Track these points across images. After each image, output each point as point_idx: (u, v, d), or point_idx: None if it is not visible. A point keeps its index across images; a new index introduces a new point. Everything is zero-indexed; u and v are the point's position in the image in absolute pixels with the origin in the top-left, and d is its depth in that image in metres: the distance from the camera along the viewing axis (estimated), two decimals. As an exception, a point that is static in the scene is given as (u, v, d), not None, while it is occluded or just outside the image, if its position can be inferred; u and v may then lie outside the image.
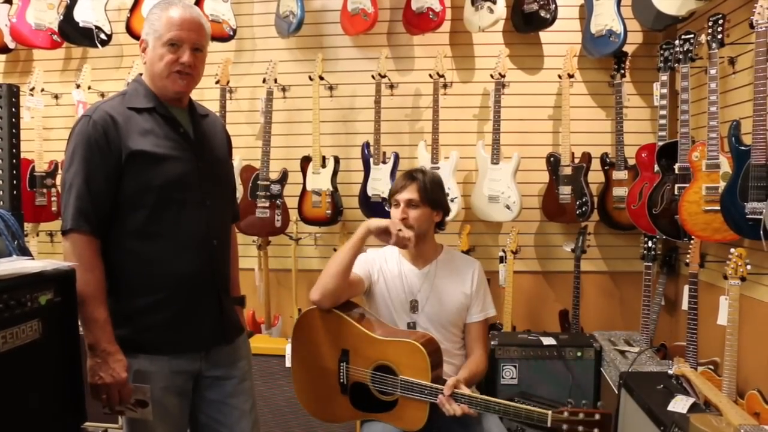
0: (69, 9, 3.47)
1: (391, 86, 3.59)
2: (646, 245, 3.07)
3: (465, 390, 2.00)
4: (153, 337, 1.74)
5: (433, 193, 2.24)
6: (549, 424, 1.85)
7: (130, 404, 1.69)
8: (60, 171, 3.61)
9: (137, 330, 1.73)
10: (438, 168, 3.32)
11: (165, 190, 1.73)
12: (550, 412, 1.86)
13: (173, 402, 1.78)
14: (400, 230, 2.13)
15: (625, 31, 3.11)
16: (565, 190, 3.28)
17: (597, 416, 1.84)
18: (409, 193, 2.21)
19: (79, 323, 1.63)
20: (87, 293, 1.63)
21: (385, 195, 3.28)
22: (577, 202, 3.26)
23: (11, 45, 3.61)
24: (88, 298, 1.63)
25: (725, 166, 2.50)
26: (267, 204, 3.44)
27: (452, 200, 3.29)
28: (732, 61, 2.68)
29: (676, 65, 2.89)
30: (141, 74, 1.86)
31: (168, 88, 1.78)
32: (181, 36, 1.75)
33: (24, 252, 1.66)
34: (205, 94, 3.64)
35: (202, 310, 1.82)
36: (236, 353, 1.93)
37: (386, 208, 3.17)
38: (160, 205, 1.73)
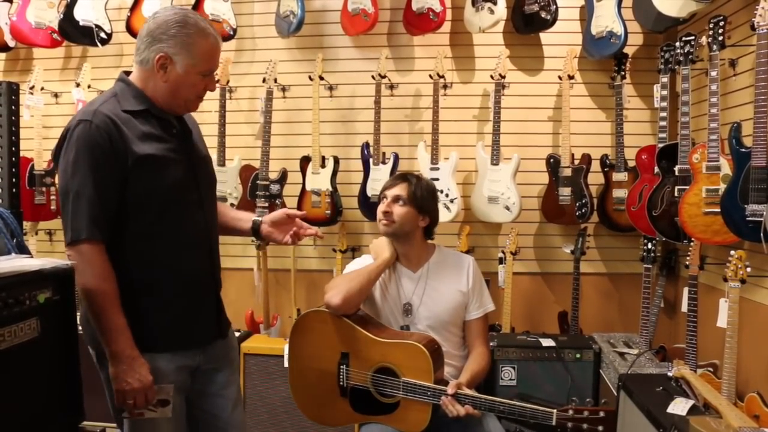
0: (69, 8, 3.46)
1: (391, 86, 3.58)
2: (645, 247, 3.07)
3: (468, 390, 2.00)
4: (159, 335, 1.74)
5: (422, 197, 2.24)
6: (554, 423, 1.86)
7: (152, 405, 1.69)
8: (59, 170, 3.60)
9: (143, 330, 1.71)
10: (437, 169, 3.32)
11: (169, 192, 1.74)
12: (555, 410, 1.87)
13: (177, 399, 1.78)
14: (381, 220, 2.22)
15: (626, 33, 3.11)
16: (565, 192, 3.27)
17: (602, 413, 1.85)
18: (398, 190, 2.23)
19: (89, 331, 1.66)
20: (107, 303, 1.62)
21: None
22: (577, 204, 3.25)
23: (11, 43, 3.60)
24: (108, 307, 1.62)
25: (725, 168, 2.50)
26: (266, 204, 3.43)
27: (452, 201, 3.29)
28: (733, 63, 2.67)
29: (676, 67, 2.89)
30: (125, 72, 1.81)
31: (188, 108, 1.83)
32: (215, 66, 1.80)
33: (23, 250, 1.66)
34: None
35: (204, 307, 1.85)
36: (227, 345, 1.97)
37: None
38: (164, 208, 1.73)
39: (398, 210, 2.21)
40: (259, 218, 2.03)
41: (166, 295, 1.75)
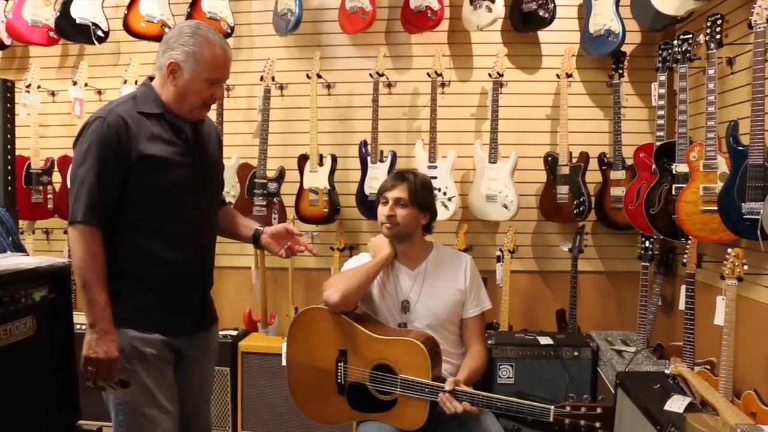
0: (66, 5, 3.45)
1: (389, 85, 3.58)
2: (643, 245, 3.07)
3: (466, 387, 2.00)
4: (143, 316, 1.85)
5: (422, 195, 2.24)
6: (551, 419, 1.85)
7: (113, 382, 1.76)
8: (56, 168, 3.60)
9: (131, 308, 1.83)
10: (435, 167, 3.31)
11: (167, 192, 1.85)
12: (552, 407, 1.86)
13: (167, 368, 1.89)
14: (383, 223, 2.21)
15: (624, 31, 3.11)
16: (563, 190, 3.27)
17: (599, 410, 1.85)
18: (399, 192, 2.21)
19: (81, 305, 1.73)
20: (91, 278, 1.73)
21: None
22: (575, 202, 3.25)
23: (7, 41, 3.60)
24: (92, 282, 1.73)
25: (723, 166, 2.50)
26: (264, 202, 3.43)
27: (450, 199, 3.29)
28: (730, 62, 2.67)
29: (674, 65, 2.89)
30: (150, 78, 1.93)
31: (193, 115, 1.91)
32: (223, 76, 1.91)
33: (18, 248, 1.66)
34: (202, 92, 3.63)
35: (189, 301, 1.96)
36: (209, 338, 2.07)
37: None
38: (161, 205, 1.84)
39: (401, 212, 2.21)
40: (262, 228, 2.14)
41: (153, 284, 1.86)
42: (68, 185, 1.84)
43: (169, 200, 1.86)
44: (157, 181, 1.83)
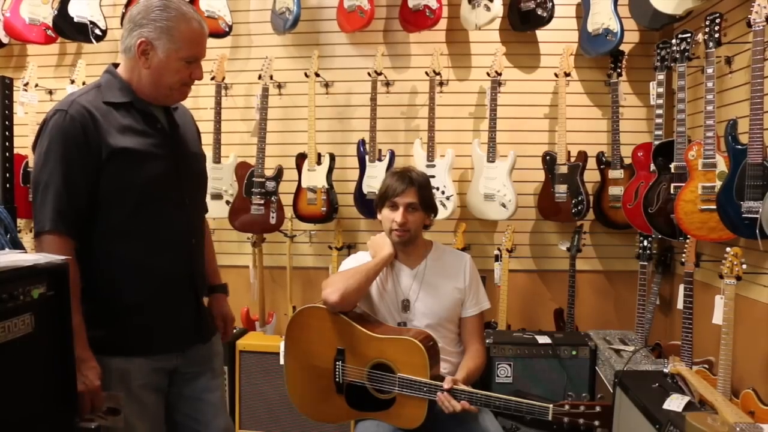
0: (63, 4, 3.44)
1: (387, 84, 3.58)
2: (641, 244, 3.07)
3: (464, 386, 2.00)
4: (132, 338, 1.70)
5: (428, 198, 2.24)
6: (550, 417, 1.85)
7: (101, 412, 1.62)
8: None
9: (117, 331, 1.68)
10: (434, 166, 3.31)
11: (146, 188, 1.68)
12: (551, 406, 1.86)
13: (151, 399, 1.75)
14: (395, 230, 2.18)
15: (622, 30, 3.11)
16: (561, 189, 3.27)
17: (598, 408, 1.85)
18: (410, 197, 2.18)
19: None
20: None
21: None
22: (573, 201, 3.25)
23: (5, 40, 3.59)
24: None
25: (721, 165, 2.51)
26: (262, 201, 3.42)
27: (448, 198, 3.29)
28: (729, 61, 2.68)
29: (672, 64, 2.90)
30: (114, 65, 1.75)
31: (173, 98, 1.76)
32: (200, 53, 1.73)
33: (17, 245, 1.64)
34: (200, 91, 3.62)
35: (181, 311, 1.79)
36: (210, 350, 1.92)
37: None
38: (140, 205, 1.68)
39: (412, 218, 2.19)
40: (224, 293, 2.04)
41: (139, 297, 1.70)
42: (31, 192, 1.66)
43: (148, 199, 1.68)
44: (133, 178, 1.64)
